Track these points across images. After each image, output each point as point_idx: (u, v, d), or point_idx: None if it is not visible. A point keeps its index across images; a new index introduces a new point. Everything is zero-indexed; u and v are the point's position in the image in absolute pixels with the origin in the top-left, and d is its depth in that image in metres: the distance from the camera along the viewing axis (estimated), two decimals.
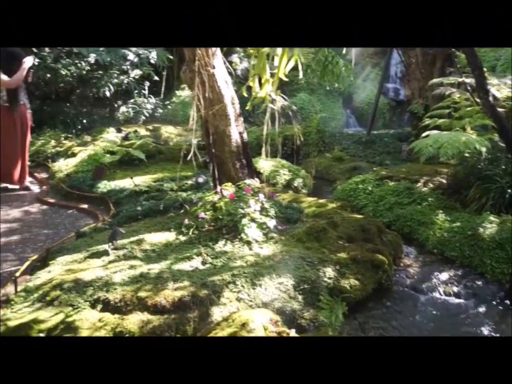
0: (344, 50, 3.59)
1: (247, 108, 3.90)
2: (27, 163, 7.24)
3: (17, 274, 3.73)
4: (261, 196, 4.36)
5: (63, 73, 9.94)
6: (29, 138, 7.25)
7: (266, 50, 3.24)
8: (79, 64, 10.12)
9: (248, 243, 3.98)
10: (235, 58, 11.88)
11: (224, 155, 4.78)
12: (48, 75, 9.94)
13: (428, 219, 5.05)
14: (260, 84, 3.51)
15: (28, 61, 6.71)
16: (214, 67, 4.42)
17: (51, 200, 6.55)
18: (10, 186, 7.07)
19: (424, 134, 5.65)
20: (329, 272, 3.67)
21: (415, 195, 5.60)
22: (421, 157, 5.17)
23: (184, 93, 11.98)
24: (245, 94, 3.63)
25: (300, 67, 3.39)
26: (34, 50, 9.65)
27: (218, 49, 4.49)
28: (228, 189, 4.49)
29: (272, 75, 3.42)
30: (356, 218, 4.75)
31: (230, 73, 4.73)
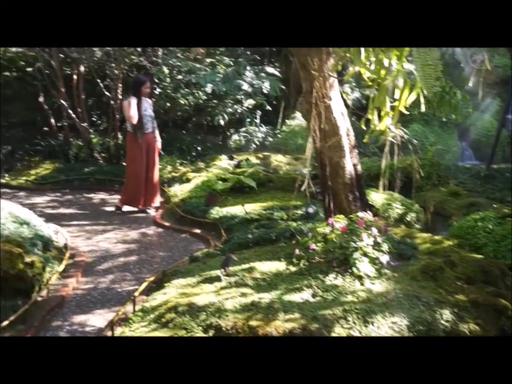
0: (471, 83, 3.44)
1: (364, 140, 3.85)
2: (157, 188, 7.63)
3: (136, 294, 3.90)
4: (374, 230, 4.24)
5: (182, 102, 10.49)
6: (157, 165, 7.67)
7: (387, 82, 3.19)
8: (196, 94, 10.63)
9: (360, 278, 3.88)
10: (346, 88, 11.83)
11: (337, 186, 4.73)
12: (168, 104, 10.54)
13: None
14: (379, 117, 3.46)
15: (124, 104, 7.29)
16: (330, 99, 4.42)
17: (166, 224, 6.86)
18: (131, 209, 7.49)
19: None
20: (447, 314, 3.47)
21: None
22: None
23: (294, 122, 12.09)
24: (363, 127, 3.59)
25: (422, 100, 3.29)
26: (156, 80, 10.31)
27: (336, 81, 4.49)
28: (340, 221, 4.43)
29: (392, 107, 3.35)
30: (475, 258, 4.47)
31: (346, 105, 4.71)
